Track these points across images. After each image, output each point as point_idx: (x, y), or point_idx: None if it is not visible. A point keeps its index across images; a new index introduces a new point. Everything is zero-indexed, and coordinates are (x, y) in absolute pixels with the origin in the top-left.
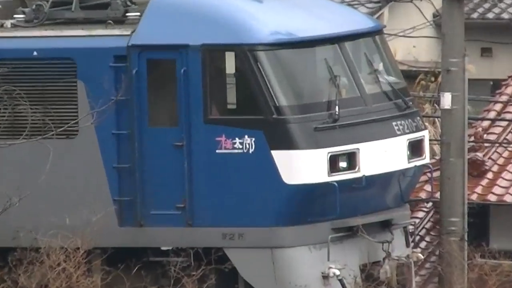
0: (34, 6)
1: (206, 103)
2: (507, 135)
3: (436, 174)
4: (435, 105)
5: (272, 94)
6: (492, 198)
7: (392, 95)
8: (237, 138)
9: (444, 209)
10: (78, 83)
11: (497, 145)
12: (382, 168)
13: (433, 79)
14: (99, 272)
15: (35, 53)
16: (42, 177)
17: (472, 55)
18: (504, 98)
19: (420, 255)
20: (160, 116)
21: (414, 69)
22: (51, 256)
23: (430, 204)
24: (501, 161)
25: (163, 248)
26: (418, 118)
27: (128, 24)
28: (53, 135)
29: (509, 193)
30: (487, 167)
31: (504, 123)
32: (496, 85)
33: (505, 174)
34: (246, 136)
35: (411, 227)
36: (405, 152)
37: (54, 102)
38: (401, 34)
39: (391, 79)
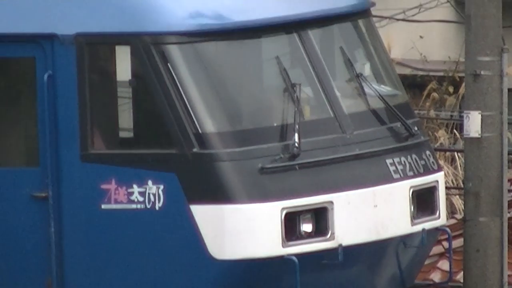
0: None
1: (85, 129)
2: None
3: (458, 243)
4: (455, 131)
5: (192, 115)
6: None
7: (386, 116)
8: (135, 186)
9: None
10: None
11: None
12: (370, 233)
13: (451, 89)
14: None
15: None
16: None
17: None
18: None
19: None
20: (9, 149)
21: (421, 73)
22: None
23: None
24: None
25: None
26: (428, 152)
27: None
28: None
29: None
30: None
31: None
32: None
33: None
34: (150, 182)
35: None
36: (407, 207)
37: None
38: (400, 17)
39: (384, 89)
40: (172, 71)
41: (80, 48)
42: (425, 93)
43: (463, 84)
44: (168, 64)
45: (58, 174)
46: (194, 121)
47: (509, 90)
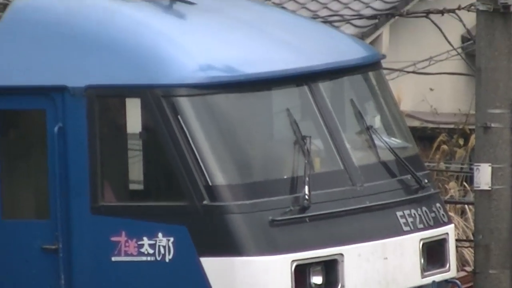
0: None
1: (95, 182)
2: None
3: None
4: (465, 184)
5: (202, 167)
6: None
7: (396, 168)
8: (145, 238)
9: None
10: None
11: None
12: (380, 286)
13: (461, 141)
14: None
15: None
16: None
17: None
18: None
19: None
20: (21, 202)
21: (431, 125)
22: None
23: None
24: None
25: None
26: (438, 205)
27: None
28: None
29: None
30: None
31: None
32: None
33: None
34: (160, 235)
35: None
36: (417, 260)
37: None
38: (410, 69)
39: (394, 141)
40: (182, 124)
41: (90, 100)
42: (435, 145)
43: (473, 136)
44: (179, 116)
45: (68, 226)
46: (204, 174)
47: None
